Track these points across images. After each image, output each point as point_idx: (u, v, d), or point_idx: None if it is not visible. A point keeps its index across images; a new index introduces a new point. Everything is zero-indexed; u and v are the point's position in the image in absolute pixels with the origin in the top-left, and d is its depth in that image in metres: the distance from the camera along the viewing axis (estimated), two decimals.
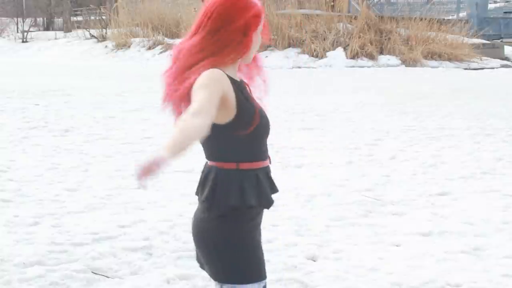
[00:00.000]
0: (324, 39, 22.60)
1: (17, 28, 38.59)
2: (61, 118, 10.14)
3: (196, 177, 6.98)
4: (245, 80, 2.35)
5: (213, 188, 2.25)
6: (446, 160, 7.47)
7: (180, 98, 2.21)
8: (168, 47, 25.59)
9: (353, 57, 21.85)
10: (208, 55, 2.19)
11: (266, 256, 4.32)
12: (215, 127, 2.16)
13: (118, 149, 7.86)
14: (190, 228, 5.00)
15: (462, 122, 10.17)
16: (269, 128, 2.33)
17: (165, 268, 4.13)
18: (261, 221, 2.40)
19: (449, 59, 22.26)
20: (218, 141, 2.24)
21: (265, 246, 4.58)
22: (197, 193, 2.36)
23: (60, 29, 38.73)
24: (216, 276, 2.31)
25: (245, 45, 2.22)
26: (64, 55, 28.64)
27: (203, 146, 2.28)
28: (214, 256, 2.28)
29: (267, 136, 2.33)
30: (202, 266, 2.38)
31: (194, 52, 2.21)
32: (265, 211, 2.36)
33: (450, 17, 27.37)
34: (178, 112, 2.23)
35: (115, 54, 26.96)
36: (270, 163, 2.35)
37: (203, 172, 2.32)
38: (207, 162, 2.31)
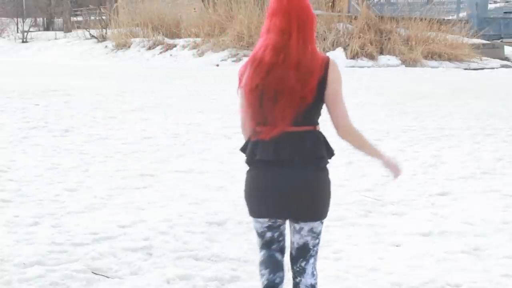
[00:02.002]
0: (324, 39, 22.60)
1: (17, 28, 38.60)
2: (61, 118, 10.13)
3: (196, 177, 6.98)
4: None
5: (324, 145, 2.82)
6: (446, 160, 7.47)
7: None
8: (168, 47, 25.62)
9: (353, 57, 21.84)
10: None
11: None
12: (321, 101, 2.79)
13: (118, 149, 7.86)
14: (189, 228, 5.00)
15: (462, 122, 10.16)
16: None
17: (165, 268, 4.13)
18: None
19: (449, 59, 22.24)
20: (319, 110, 2.83)
21: None
22: (291, 155, 2.74)
23: (60, 29, 38.74)
24: (321, 214, 2.89)
25: None
26: (64, 55, 28.64)
27: (306, 112, 2.76)
28: (327, 198, 2.89)
29: None
30: (293, 217, 2.86)
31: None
32: None
33: (450, 17, 27.35)
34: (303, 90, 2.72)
35: (115, 54, 26.97)
36: None
37: (291, 138, 2.74)
38: (286, 132, 2.74)
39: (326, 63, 2.75)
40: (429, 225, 5.06)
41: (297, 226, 2.90)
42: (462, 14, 28.91)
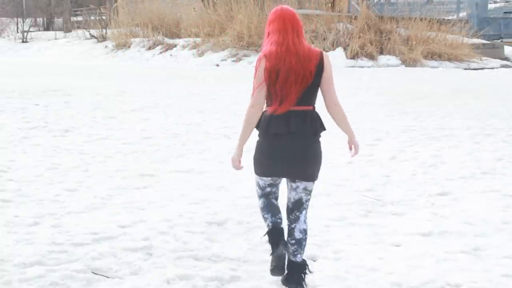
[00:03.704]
0: (324, 39, 22.59)
1: (17, 28, 38.61)
2: (61, 118, 10.13)
3: (196, 177, 6.97)
4: None
5: (319, 122, 3.67)
6: (446, 160, 7.47)
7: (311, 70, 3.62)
8: (168, 47, 25.62)
9: (353, 57, 21.84)
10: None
11: (266, 256, 4.34)
12: (317, 86, 3.66)
13: (118, 149, 7.86)
14: (189, 228, 5.01)
15: (462, 122, 10.16)
16: None
17: (165, 268, 4.13)
18: None
19: (449, 59, 22.25)
20: (316, 93, 3.69)
21: (265, 246, 4.59)
22: (298, 129, 3.60)
23: (60, 29, 38.75)
24: (315, 177, 3.75)
25: None
26: (64, 55, 28.64)
27: (307, 94, 3.62)
28: (320, 164, 3.74)
29: None
30: (293, 177, 3.72)
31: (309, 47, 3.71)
32: None
33: (450, 17, 27.37)
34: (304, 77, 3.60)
35: (115, 54, 26.97)
36: None
37: (297, 116, 3.61)
38: (292, 110, 3.60)
39: (320, 54, 3.67)
40: (429, 225, 5.06)
41: (294, 185, 3.76)
42: (462, 14, 28.92)
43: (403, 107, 11.81)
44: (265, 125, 3.64)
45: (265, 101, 3.65)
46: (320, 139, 3.71)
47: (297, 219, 3.78)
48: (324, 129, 3.71)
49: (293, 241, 3.78)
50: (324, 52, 3.68)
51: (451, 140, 8.70)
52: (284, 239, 3.76)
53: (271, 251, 3.77)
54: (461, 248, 4.55)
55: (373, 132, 9.21)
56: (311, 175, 3.72)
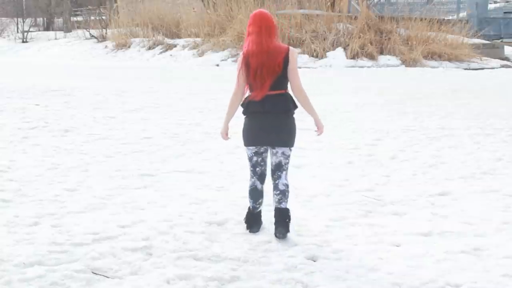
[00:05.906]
0: (324, 39, 22.60)
1: (17, 28, 38.66)
2: (61, 118, 10.13)
3: (196, 177, 6.95)
4: None
5: (291, 102, 4.60)
6: (446, 160, 7.47)
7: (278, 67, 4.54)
8: (168, 47, 25.62)
9: (353, 57, 21.84)
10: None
11: (266, 257, 4.34)
12: (286, 75, 4.55)
13: (118, 149, 7.86)
14: (189, 228, 5.00)
15: (462, 122, 10.16)
16: None
17: (165, 268, 4.13)
18: None
19: (449, 59, 22.24)
20: (286, 79, 4.59)
21: (265, 246, 4.61)
22: (271, 108, 4.54)
23: (60, 29, 38.80)
24: (289, 143, 4.66)
25: None
26: (64, 55, 28.66)
27: (278, 81, 4.53)
28: (293, 134, 4.66)
29: None
30: (272, 145, 4.65)
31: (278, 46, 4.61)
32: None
33: (450, 17, 27.36)
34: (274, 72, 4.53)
35: (115, 54, 26.98)
36: None
37: (271, 98, 4.54)
38: (268, 94, 4.54)
39: (287, 49, 4.56)
40: (429, 225, 5.06)
41: (274, 151, 4.69)
42: (462, 14, 28.91)
43: (403, 107, 11.81)
44: (247, 106, 4.63)
45: (248, 89, 4.61)
46: (294, 115, 4.65)
47: (279, 177, 4.71)
48: (296, 107, 4.63)
49: (277, 192, 4.70)
50: (291, 48, 4.58)
51: (451, 140, 8.70)
52: (258, 222, 4.85)
53: (246, 227, 4.85)
54: (461, 248, 4.55)
55: (373, 132, 9.21)
56: (285, 141, 4.64)
